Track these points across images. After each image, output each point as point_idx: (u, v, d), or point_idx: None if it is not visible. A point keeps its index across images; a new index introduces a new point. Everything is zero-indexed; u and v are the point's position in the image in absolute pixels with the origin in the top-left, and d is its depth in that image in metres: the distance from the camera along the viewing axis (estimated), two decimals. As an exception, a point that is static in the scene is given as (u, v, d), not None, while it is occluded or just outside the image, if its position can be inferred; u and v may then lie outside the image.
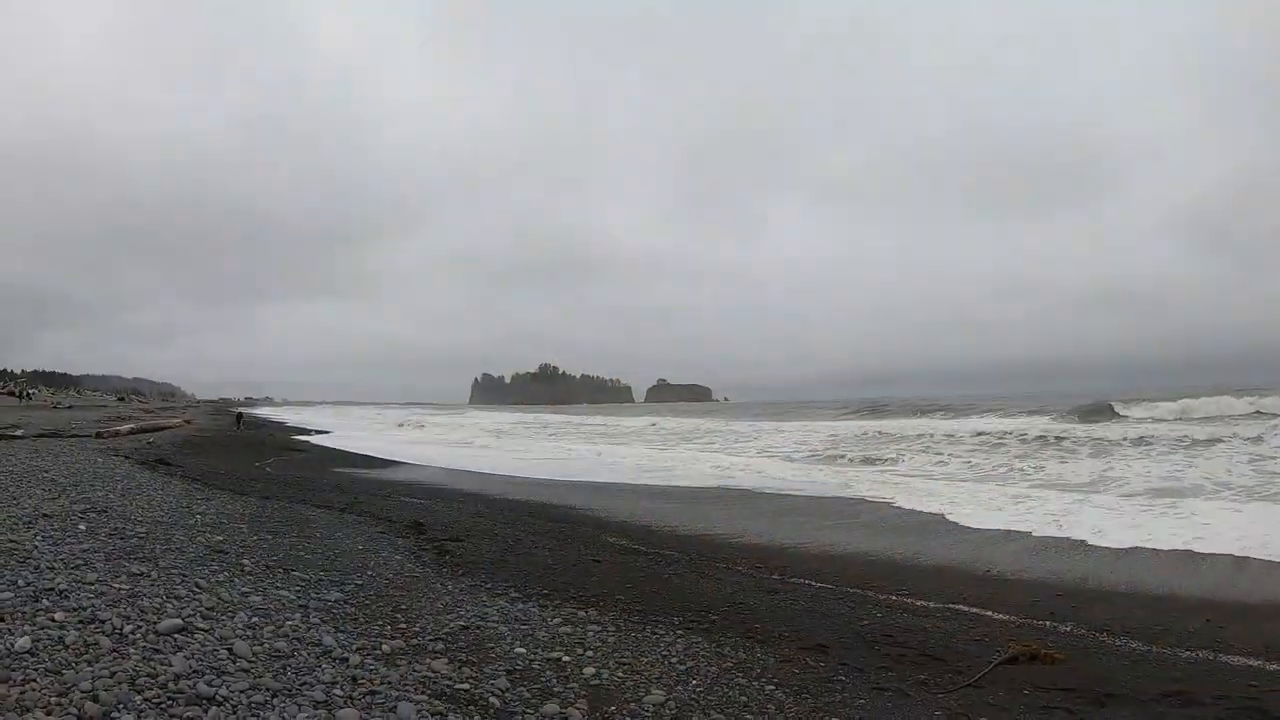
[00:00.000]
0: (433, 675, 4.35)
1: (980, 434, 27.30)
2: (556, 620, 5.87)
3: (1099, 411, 37.16)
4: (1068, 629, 6.98)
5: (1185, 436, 22.58)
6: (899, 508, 14.23)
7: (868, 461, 23.04)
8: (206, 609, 4.76)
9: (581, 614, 6.16)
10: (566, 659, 4.94)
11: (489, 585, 6.98)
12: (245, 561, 6.50)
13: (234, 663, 3.97)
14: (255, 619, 4.79)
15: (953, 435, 27.31)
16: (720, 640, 5.79)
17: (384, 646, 4.73)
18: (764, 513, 14.06)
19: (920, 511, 13.65)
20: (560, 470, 22.00)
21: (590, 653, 5.13)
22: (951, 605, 7.76)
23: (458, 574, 7.37)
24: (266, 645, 4.35)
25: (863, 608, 7.46)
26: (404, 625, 5.34)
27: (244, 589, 5.52)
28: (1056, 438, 25.10)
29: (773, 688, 4.78)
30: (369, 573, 6.89)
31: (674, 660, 5.16)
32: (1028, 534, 11.44)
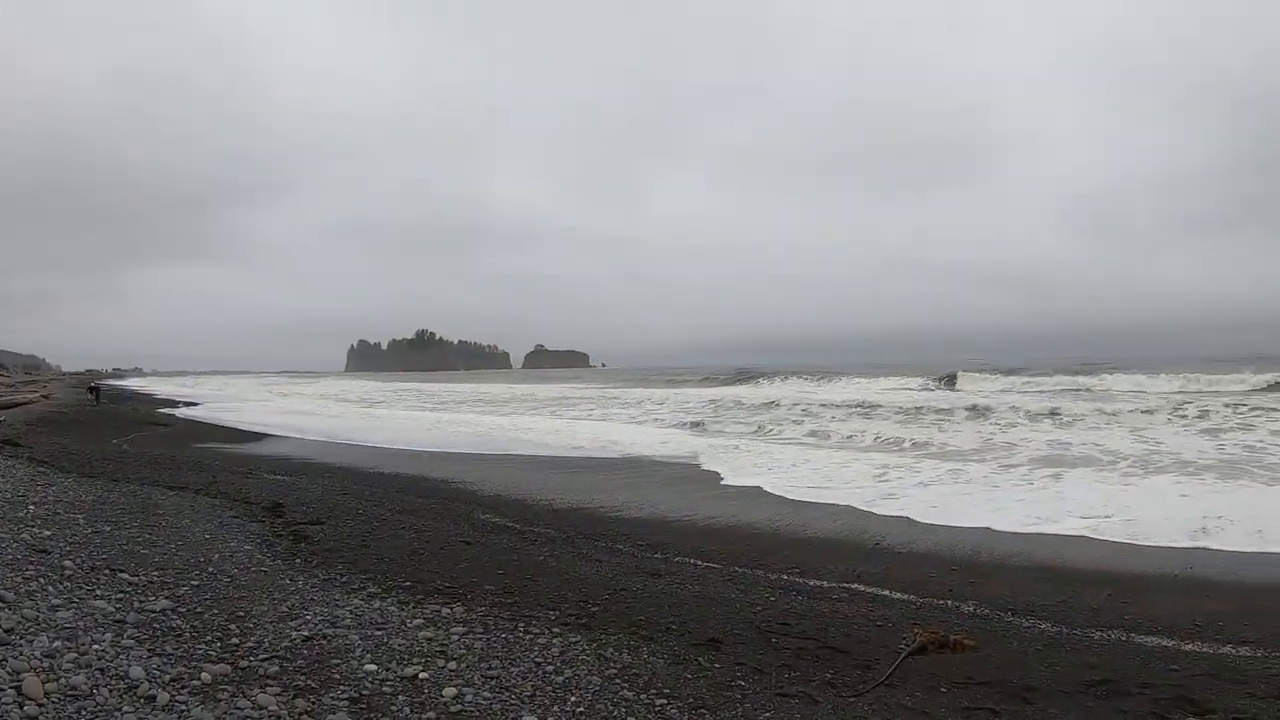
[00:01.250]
0: (256, 716, 3.54)
1: (856, 402, 27.75)
2: (417, 622, 5.13)
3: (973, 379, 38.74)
4: (970, 609, 6.70)
5: (1058, 409, 23.53)
6: (775, 477, 13.96)
7: (745, 428, 22.94)
8: (3, 631, 3.85)
9: (446, 612, 5.44)
10: (424, 676, 4.21)
11: (345, 579, 6.18)
12: (68, 563, 5.52)
13: (19, 709, 3.13)
14: (58, 643, 3.90)
15: (829, 403, 27.66)
16: (602, 639, 5.14)
17: (204, 674, 3.91)
18: (643, 483, 13.61)
19: (796, 483, 13.41)
20: (433, 441, 21.19)
21: (453, 665, 4.41)
22: (846, 585, 7.42)
23: (312, 565, 6.55)
24: (62, 681, 3.51)
25: (754, 591, 6.98)
26: (236, 640, 4.49)
27: (55, 600, 4.58)
28: (926, 408, 25.70)
29: (664, 701, 4.16)
30: (210, 570, 6.02)
31: (549, 670, 4.48)
32: (899, 499, 11.41)
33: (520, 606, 5.79)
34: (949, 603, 6.89)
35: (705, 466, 15.55)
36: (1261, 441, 16.54)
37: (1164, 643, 5.86)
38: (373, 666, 4.29)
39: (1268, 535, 8.74)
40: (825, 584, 7.43)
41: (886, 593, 7.19)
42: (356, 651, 4.49)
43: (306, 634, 4.73)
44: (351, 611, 5.25)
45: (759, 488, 12.83)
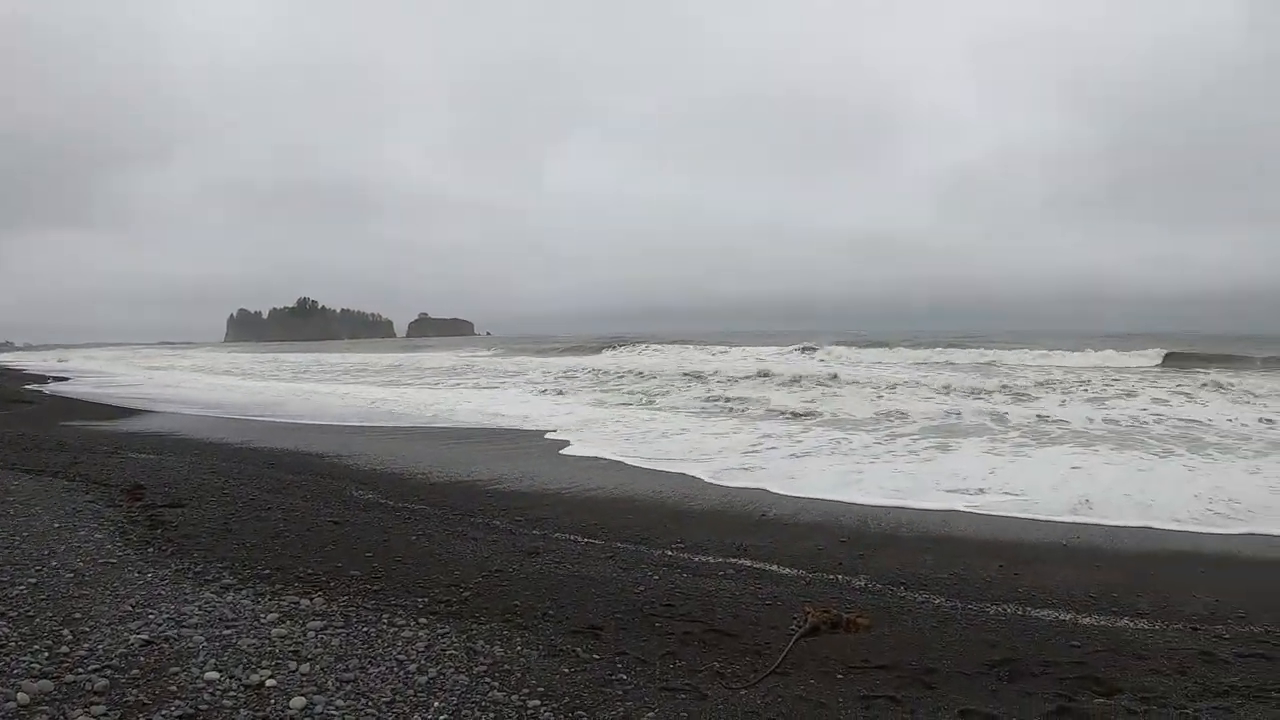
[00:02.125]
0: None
1: (744, 371, 27.79)
2: (271, 617, 4.53)
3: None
4: (862, 583, 6.49)
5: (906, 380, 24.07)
6: (660, 446, 13.71)
7: (630, 397, 22.63)
8: None
9: (305, 603, 4.85)
10: (272, 683, 3.66)
11: (200, 569, 5.50)
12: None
13: None
14: None
15: (700, 374, 27.50)
16: (473, 629, 4.64)
17: (21, 694, 3.29)
18: (524, 454, 13.06)
19: (681, 453, 13.17)
20: (310, 413, 20.08)
21: (305, 668, 3.85)
22: (732, 560, 7.12)
23: (166, 554, 5.82)
24: None
25: (637, 568, 6.58)
26: (67, 649, 3.83)
27: None
28: (811, 377, 25.92)
29: (537, 702, 3.69)
30: (53, 563, 5.29)
31: (413, 669, 3.96)
32: (780, 469, 11.26)
33: (386, 594, 5.26)
34: (839, 577, 6.67)
35: (589, 437, 15.09)
36: (1146, 411, 17.23)
37: (1061, 616, 5.76)
38: (215, 674, 3.71)
39: (1154, 509, 8.91)
40: (710, 559, 7.12)
41: (775, 568, 6.92)
42: (200, 656, 3.91)
43: (146, 637, 4.09)
44: (201, 607, 4.63)
45: (644, 458, 12.46)
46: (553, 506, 9.10)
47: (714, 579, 6.38)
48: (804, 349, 40.64)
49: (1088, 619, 5.73)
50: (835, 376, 24.52)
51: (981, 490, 9.96)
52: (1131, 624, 5.65)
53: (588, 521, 8.40)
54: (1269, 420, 15.67)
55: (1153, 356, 31.16)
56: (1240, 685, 4.39)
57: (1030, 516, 8.75)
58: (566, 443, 14.21)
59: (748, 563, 7.04)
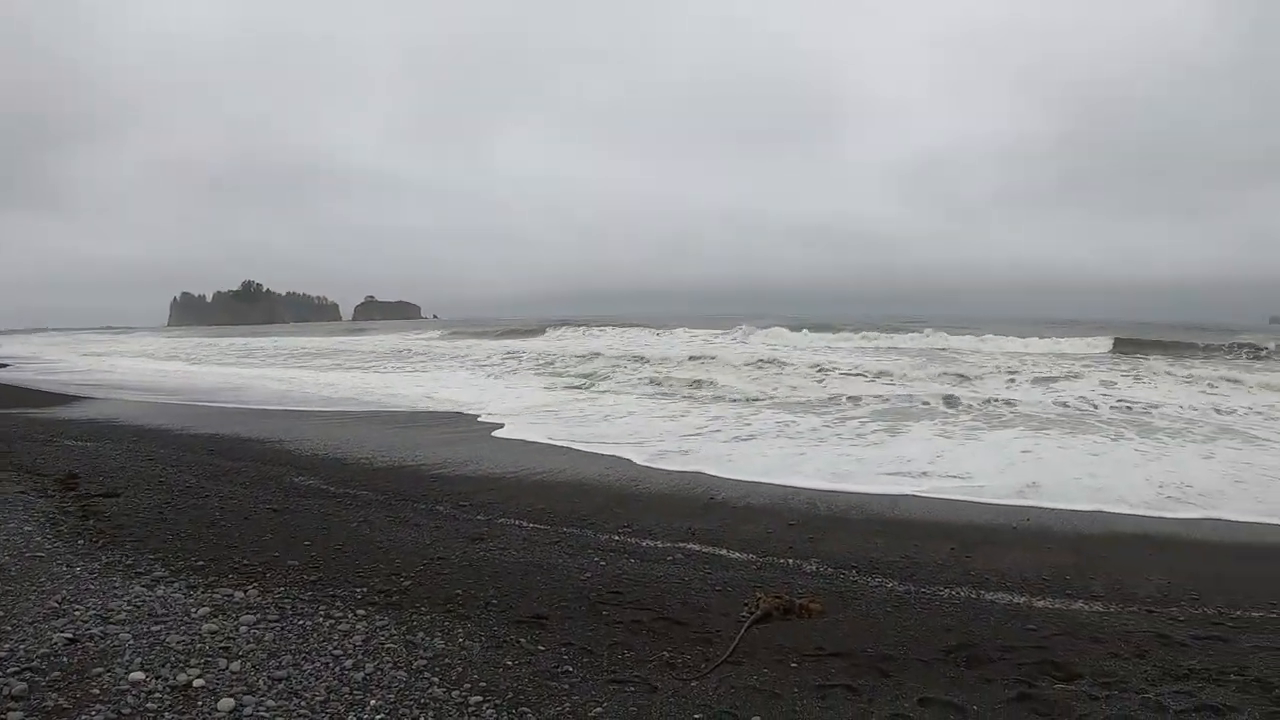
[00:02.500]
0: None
1: (689, 355, 27.69)
2: (203, 611, 4.29)
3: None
4: (813, 567, 6.38)
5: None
6: (606, 429, 13.55)
7: (578, 380, 22.38)
8: None
9: (239, 596, 4.63)
10: (200, 683, 3.44)
11: (131, 561, 5.23)
12: None
13: None
14: None
15: (647, 357, 27.31)
16: (413, 620, 4.43)
17: None
18: (469, 438, 12.78)
19: (627, 436, 13.01)
20: (252, 398, 19.47)
21: (236, 666, 3.64)
22: (681, 544, 6.96)
23: (97, 546, 5.54)
24: None
25: (583, 554, 6.39)
26: None
27: None
28: (762, 361, 25.90)
29: (479, 699, 3.49)
30: None
31: (349, 665, 3.74)
32: (706, 454, 11.16)
33: (324, 584, 5.04)
34: (790, 561, 6.55)
35: (535, 420, 14.82)
36: (1096, 395, 17.46)
37: (1015, 599, 5.71)
38: (140, 675, 3.48)
39: (1105, 492, 8.95)
40: (659, 544, 6.96)
41: (724, 552, 6.78)
42: (126, 655, 3.67)
43: (70, 635, 3.85)
44: (130, 602, 4.39)
45: (590, 441, 12.26)
46: (498, 491, 8.87)
47: (662, 564, 6.23)
48: (752, 332, 40.65)
49: (1042, 602, 5.68)
50: (784, 360, 24.51)
51: (931, 473, 9.94)
52: (1086, 606, 5.61)
53: (533, 506, 8.19)
54: (1215, 406, 15.97)
55: (1102, 343, 31.60)
56: (1199, 668, 4.35)
57: (980, 499, 8.73)
58: (513, 426, 13.94)
59: (696, 547, 6.89)
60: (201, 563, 5.32)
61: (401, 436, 12.87)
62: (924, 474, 9.89)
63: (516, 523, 7.54)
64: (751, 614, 4.90)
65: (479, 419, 15.09)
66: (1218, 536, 7.50)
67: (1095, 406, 16.21)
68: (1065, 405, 16.42)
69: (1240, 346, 29.48)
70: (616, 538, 7.11)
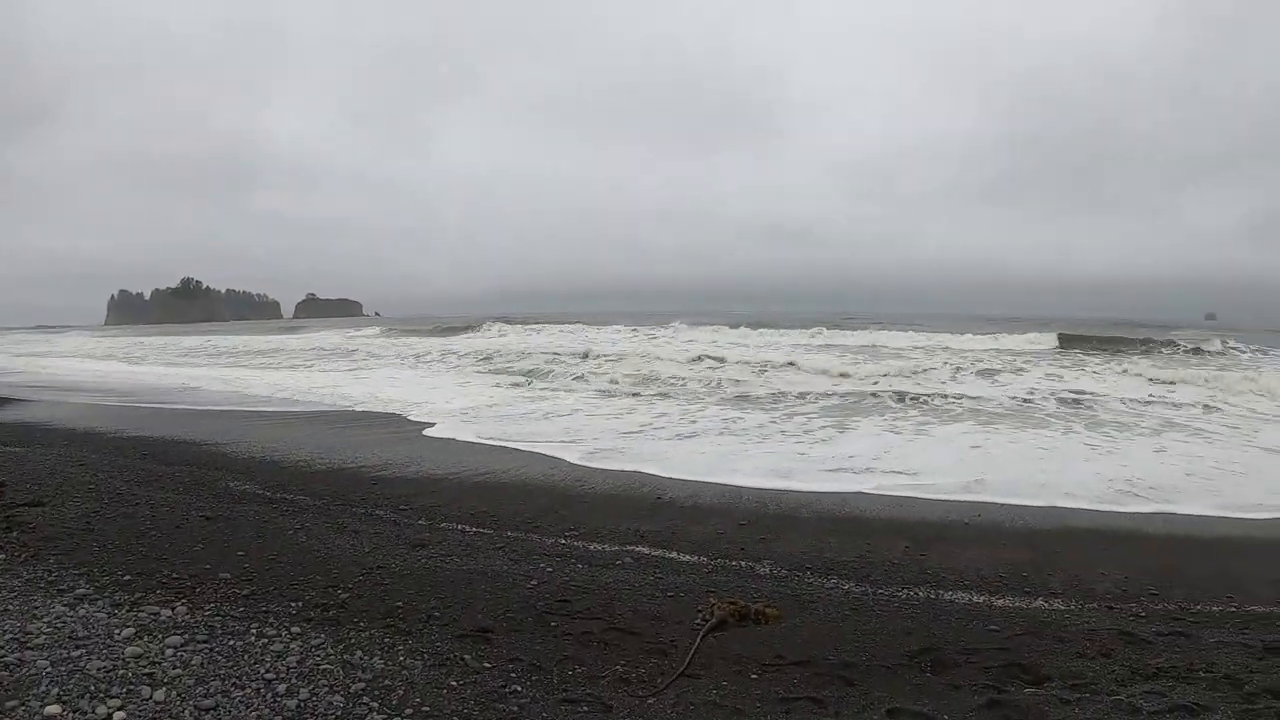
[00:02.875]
0: None
1: (631, 352, 27.51)
2: (127, 632, 3.96)
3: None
4: (766, 569, 6.20)
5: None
6: (548, 428, 13.22)
7: (525, 377, 22.04)
8: None
9: (166, 614, 4.28)
10: (120, 715, 3.15)
11: (54, 577, 4.84)
12: None
13: None
14: None
15: (590, 354, 27.06)
16: (351, 638, 4.15)
17: None
18: (411, 439, 12.36)
19: (568, 436, 12.71)
20: (187, 398, 18.73)
21: (160, 695, 3.33)
22: (630, 547, 6.73)
23: (18, 561, 5.13)
24: None
25: (529, 560, 6.13)
26: None
27: None
28: (705, 357, 25.81)
29: (421, 725, 3.24)
30: None
31: (282, 690, 3.45)
32: (653, 452, 10.97)
33: (257, 598, 4.73)
34: (742, 564, 6.36)
35: (479, 419, 14.47)
36: (1044, 391, 17.54)
37: (974, 599, 5.60)
38: (57, 708, 3.16)
39: (1057, 487, 8.95)
40: (607, 547, 6.72)
41: (675, 555, 6.56)
42: (43, 685, 3.34)
43: None
44: (50, 624, 4.02)
45: (534, 440, 11.96)
46: (439, 493, 8.54)
47: (611, 569, 6.00)
48: (681, 329, 40.58)
49: (1002, 600, 5.58)
50: (725, 357, 24.46)
51: (881, 469, 9.86)
52: (1046, 604, 5.53)
53: (476, 509, 7.90)
54: (1159, 400, 16.27)
55: (1047, 339, 32.14)
56: (1167, 666, 4.28)
57: (932, 496, 8.65)
58: (454, 426, 13.57)
59: (646, 550, 6.67)
60: (129, 577, 4.97)
61: (342, 437, 12.40)
62: (873, 470, 9.80)
63: (459, 527, 7.25)
64: (706, 621, 4.70)
65: (420, 419, 14.65)
66: (1171, 530, 7.51)
67: (1043, 401, 16.33)
68: (1013, 400, 16.51)
69: (1178, 343, 30.31)
70: (563, 541, 6.86)
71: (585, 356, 25.41)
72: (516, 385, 20.45)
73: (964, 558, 6.53)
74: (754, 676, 3.98)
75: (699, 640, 4.37)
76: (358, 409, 16.43)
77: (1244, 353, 27.85)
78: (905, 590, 5.72)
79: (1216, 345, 28.90)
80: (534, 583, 5.46)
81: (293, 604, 4.70)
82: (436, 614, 4.69)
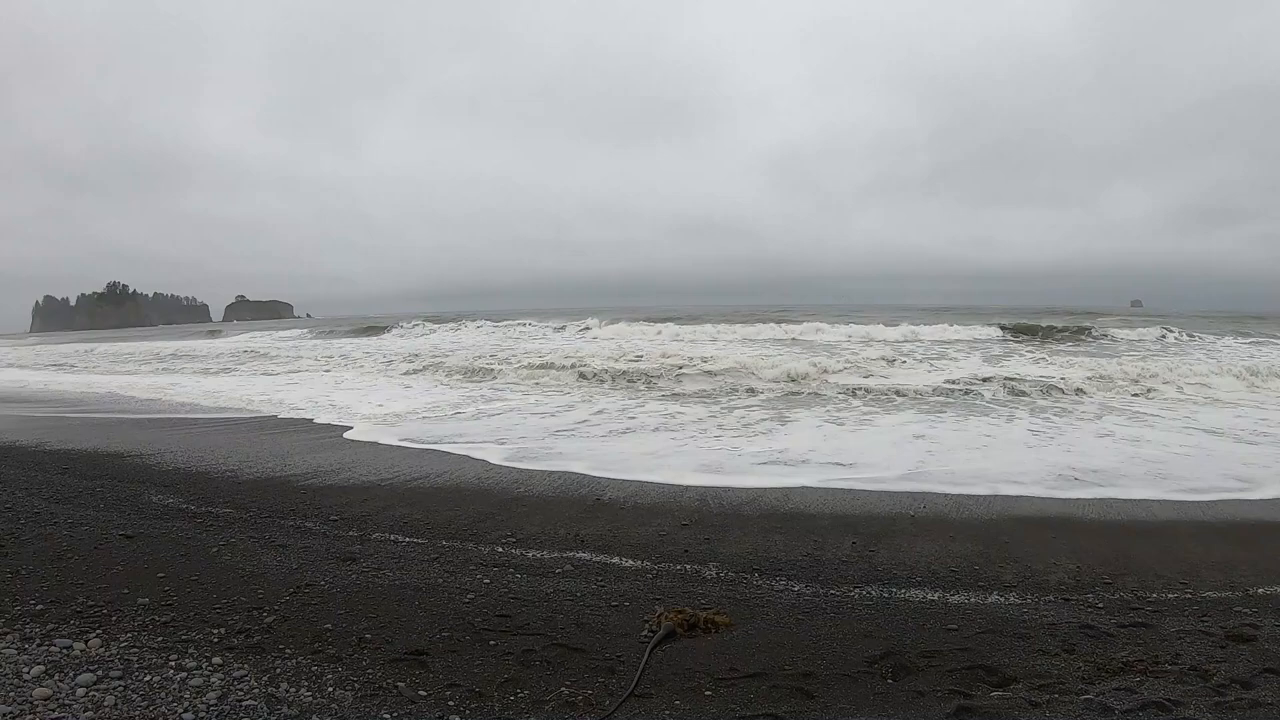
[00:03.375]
0: None
1: (550, 350, 27.17)
2: (35, 671, 3.62)
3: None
4: (713, 573, 5.97)
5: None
6: (480, 429, 12.85)
7: (456, 376, 21.56)
8: None
9: (79, 648, 3.96)
10: None
11: None
12: None
13: None
14: None
15: (517, 352, 26.74)
16: (276, 667, 3.86)
17: None
18: (337, 443, 11.84)
19: (500, 436, 12.37)
20: (117, 406, 17.84)
21: None
22: (569, 553, 6.44)
23: None
24: None
25: (465, 571, 5.83)
26: None
27: None
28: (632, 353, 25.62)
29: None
30: None
31: None
32: (578, 451, 10.75)
33: (176, 626, 4.40)
34: (688, 567, 6.12)
35: (413, 421, 14.00)
36: (985, 379, 17.69)
37: (928, 595, 5.45)
38: None
39: (1001, 475, 8.95)
40: (546, 555, 6.41)
41: (617, 560, 6.29)
42: None
43: None
44: None
45: (475, 440, 11.63)
46: (371, 501, 8.14)
47: (552, 578, 5.73)
48: (590, 326, 40.36)
49: (956, 596, 5.44)
50: (669, 353, 24.28)
51: (824, 462, 9.76)
52: (1002, 599, 5.40)
53: (409, 517, 7.53)
54: (1098, 385, 16.55)
55: (987, 331, 32.53)
56: (1132, 660, 4.20)
57: (876, 488, 8.57)
58: (387, 429, 13.11)
59: (586, 556, 6.40)
60: (41, 606, 4.61)
61: (271, 444, 11.82)
62: (817, 463, 9.69)
63: (391, 537, 6.89)
64: (654, 633, 4.47)
65: (350, 422, 14.11)
66: (1117, 516, 7.50)
67: (985, 390, 16.43)
68: (956, 388, 16.62)
69: (1107, 330, 31.08)
70: (499, 550, 6.55)
71: (514, 355, 25.01)
72: (447, 385, 19.98)
73: (914, 552, 6.40)
74: (708, 693, 3.76)
75: (647, 655, 4.14)
76: (287, 414, 15.69)
77: (1172, 335, 28.83)
78: (857, 589, 5.55)
79: (1156, 332, 29.71)
80: (471, 596, 5.18)
81: (215, 631, 4.39)
82: (368, 636, 4.39)
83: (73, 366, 34.99)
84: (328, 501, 8.14)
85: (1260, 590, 5.59)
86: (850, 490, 8.49)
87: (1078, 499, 8.03)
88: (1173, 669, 4.08)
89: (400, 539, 6.85)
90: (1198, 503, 7.91)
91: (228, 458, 10.56)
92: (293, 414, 15.67)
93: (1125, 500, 7.98)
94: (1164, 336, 29.18)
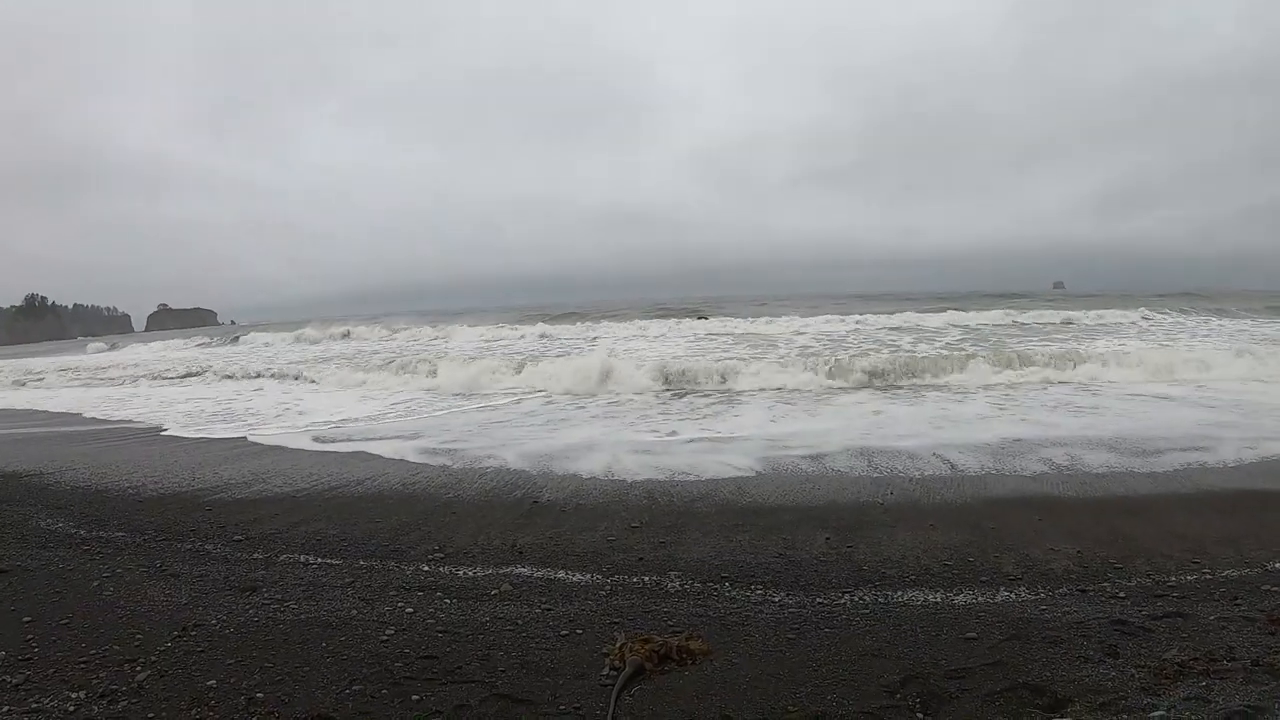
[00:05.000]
0: None
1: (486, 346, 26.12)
2: None
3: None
4: (676, 584, 5.06)
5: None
6: (409, 427, 11.72)
7: (384, 374, 20.28)
8: None
9: None
10: None
11: None
12: None
13: None
14: None
15: (444, 351, 25.64)
16: None
17: None
18: (257, 451, 10.64)
19: (425, 436, 11.28)
20: (27, 421, 16.24)
21: None
22: (507, 569, 5.47)
23: None
24: None
25: (384, 597, 4.85)
26: None
27: None
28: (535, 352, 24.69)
29: None
30: None
31: None
32: (509, 447, 9.85)
33: (29, 690, 3.49)
34: (647, 578, 5.20)
35: (332, 425, 12.80)
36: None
37: (930, 598, 4.66)
38: None
39: (959, 453, 8.41)
40: (479, 572, 5.42)
41: (562, 574, 5.33)
42: None
43: None
44: None
45: (406, 438, 10.70)
46: (282, 516, 7.06)
47: (487, 601, 4.78)
48: (553, 321, 39.49)
49: (961, 596, 4.67)
50: (597, 340, 23.49)
51: (779, 445, 9.04)
52: (1013, 595, 4.65)
53: (323, 533, 6.48)
54: (1045, 360, 16.10)
55: (933, 319, 31.26)
56: (1186, 659, 3.55)
57: (837, 471, 7.89)
58: (304, 434, 11.94)
59: (526, 570, 5.44)
60: None
61: (182, 456, 10.47)
62: (775, 448, 8.98)
63: (301, 559, 5.85)
64: (617, 671, 3.57)
65: (269, 429, 12.83)
66: (1095, 492, 6.93)
67: (941, 373, 15.83)
68: (914, 374, 15.90)
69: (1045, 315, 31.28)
70: (425, 568, 5.56)
71: (444, 354, 23.84)
72: (376, 386, 18.73)
73: (895, 546, 5.62)
74: (696, 753, 2.88)
75: (613, 703, 3.25)
76: (202, 423, 14.24)
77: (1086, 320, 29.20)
78: (847, 595, 4.73)
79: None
80: (390, 632, 4.22)
81: (73, 695, 3.46)
82: (259, 695, 3.43)
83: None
84: (234, 518, 7.03)
85: (1278, 565, 5.00)
86: (810, 475, 7.81)
87: (1043, 474, 7.50)
88: (1234, 666, 3.42)
89: (311, 560, 5.83)
90: (1170, 473, 7.43)
91: (135, 472, 9.27)
92: (217, 420, 14.19)
93: (1092, 473, 7.50)
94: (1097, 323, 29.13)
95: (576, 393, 14.90)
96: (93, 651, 3.94)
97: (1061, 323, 29.07)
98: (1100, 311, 30.75)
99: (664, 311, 43.51)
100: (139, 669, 3.72)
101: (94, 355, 44.27)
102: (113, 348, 49.50)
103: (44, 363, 35.48)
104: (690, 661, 3.68)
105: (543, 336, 31.91)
